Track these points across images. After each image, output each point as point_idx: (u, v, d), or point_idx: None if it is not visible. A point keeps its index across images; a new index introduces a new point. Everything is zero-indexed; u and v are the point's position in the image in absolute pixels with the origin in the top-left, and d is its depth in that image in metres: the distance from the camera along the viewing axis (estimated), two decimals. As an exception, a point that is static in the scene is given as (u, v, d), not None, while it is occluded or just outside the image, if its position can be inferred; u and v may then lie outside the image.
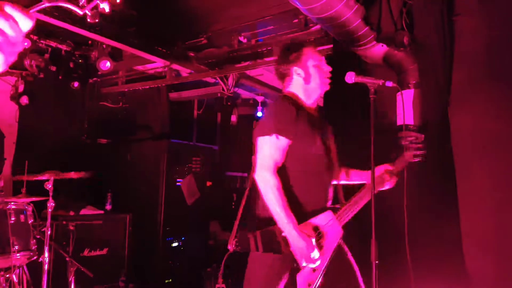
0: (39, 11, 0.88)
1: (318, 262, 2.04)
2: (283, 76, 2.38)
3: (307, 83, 2.31)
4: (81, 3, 0.96)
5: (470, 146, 2.99)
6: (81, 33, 3.96)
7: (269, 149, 2.12)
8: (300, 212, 2.08)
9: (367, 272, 1.99)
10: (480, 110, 2.94)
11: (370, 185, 2.29)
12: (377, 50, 3.09)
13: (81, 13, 0.98)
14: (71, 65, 5.07)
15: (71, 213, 4.51)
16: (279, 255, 2.04)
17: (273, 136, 2.11)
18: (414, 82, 2.99)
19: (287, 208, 2.03)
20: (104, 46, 4.58)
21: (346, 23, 2.82)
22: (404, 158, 2.46)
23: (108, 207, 4.95)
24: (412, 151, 2.46)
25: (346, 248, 2.25)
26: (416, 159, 2.46)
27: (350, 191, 2.39)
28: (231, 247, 2.07)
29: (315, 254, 2.03)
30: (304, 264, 2.03)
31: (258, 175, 2.11)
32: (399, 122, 2.97)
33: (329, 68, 2.35)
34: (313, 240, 2.05)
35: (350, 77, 2.12)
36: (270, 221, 2.05)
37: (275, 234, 2.05)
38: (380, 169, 2.41)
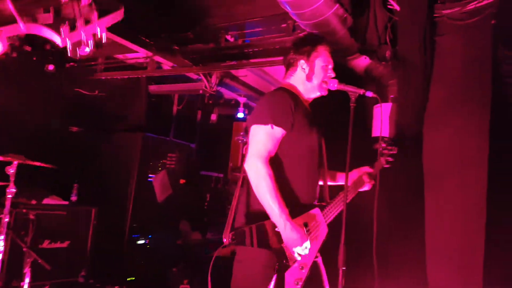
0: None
1: (306, 252, 2.11)
2: (288, 65, 2.46)
3: (308, 80, 2.39)
4: (63, 35, 1.00)
5: (442, 163, 3.28)
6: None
7: (263, 138, 2.16)
8: (290, 204, 2.12)
9: (333, 278, 2.09)
10: (453, 129, 3.24)
11: (352, 185, 2.56)
12: (360, 61, 3.35)
13: (61, 45, 1.04)
14: (48, 47, 5.08)
15: (33, 201, 4.50)
16: (270, 251, 2.08)
17: (269, 126, 2.15)
18: (392, 96, 3.26)
19: (279, 198, 2.07)
20: (85, 30, 4.63)
21: (333, 31, 3.05)
22: (379, 163, 2.74)
23: (74, 198, 4.93)
24: (385, 157, 2.75)
25: (318, 253, 2.33)
26: (388, 165, 2.75)
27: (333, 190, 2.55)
28: (227, 240, 2.07)
29: (308, 244, 2.10)
30: (297, 254, 2.08)
31: (249, 163, 2.13)
32: (375, 133, 3.22)
33: (333, 75, 2.42)
34: (305, 230, 2.13)
35: (333, 84, 2.31)
36: (263, 215, 2.09)
37: (268, 229, 2.09)
38: (360, 171, 2.66)
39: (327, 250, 2.33)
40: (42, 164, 3.78)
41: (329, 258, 2.30)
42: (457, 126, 3.24)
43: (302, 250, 2.09)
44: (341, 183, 2.63)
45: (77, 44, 1.02)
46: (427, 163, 3.29)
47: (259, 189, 2.10)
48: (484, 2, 3.16)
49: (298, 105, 2.30)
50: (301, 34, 3.30)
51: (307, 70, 2.40)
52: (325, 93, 2.44)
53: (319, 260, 2.34)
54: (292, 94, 2.34)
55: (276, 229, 2.09)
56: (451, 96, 3.29)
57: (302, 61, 2.41)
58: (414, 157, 3.35)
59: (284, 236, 2.07)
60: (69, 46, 1.03)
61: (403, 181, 3.35)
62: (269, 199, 2.06)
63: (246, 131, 2.33)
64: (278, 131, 2.18)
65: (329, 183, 2.60)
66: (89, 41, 1.06)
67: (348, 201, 2.34)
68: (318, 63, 2.41)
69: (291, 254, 2.10)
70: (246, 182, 2.23)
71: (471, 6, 3.21)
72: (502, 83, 3.22)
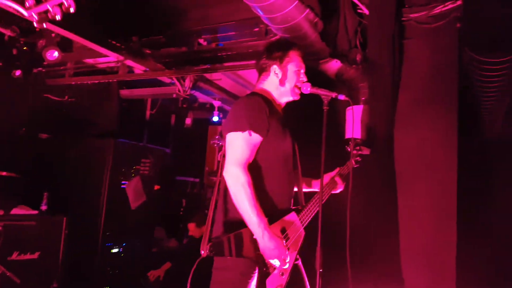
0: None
1: (287, 265, 2.15)
2: (261, 70, 2.51)
3: (281, 84, 2.44)
4: (28, 5, 1.00)
5: (413, 164, 3.42)
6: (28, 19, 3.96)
7: (241, 145, 2.17)
8: (267, 211, 2.15)
9: (311, 280, 2.19)
10: (422, 130, 3.38)
11: (325, 187, 2.60)
12: (331, 65, 3.45)
13: (26, 14, 1.03)
14: (15, 51, 5.01)
15: (0, 212, 4.40)
16: (249, 260, 2.10)
17: (246, 132, 2.17)
18: (363, 98, 3.37)
19: (258, 207, 2.08)
20: (53, 35, 4.58)
21: (304, 35, 3.14)
22: (350, 164, 2.83)
23: (44, 207, 4.80)
24: (354, 157, 2.87)
25: (297, 256, 2.38)
26: (357, 165, 2.88)
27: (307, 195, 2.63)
28: (204, 252, 2.06)
29: (284, 254, 2.13)
30: (276, 264, 2.12)
31: (228, 171, 2.15)
32: (348, 135, 3.32)
33: (305, 79, 2.48)
34: (283, 239, 2.18)
35: (306, 88, 2.38)
36: (240, 224, 2.11)
37: (246, 237, 2.10)
38: (331, 174, 2.75)
39: (304, 252, 2.37)
40: (9, 174, 3.70)
41: (306, 260, 2.35)
42: (426, 127, 3.39)
43: (281, 261, 2.12)
44: (316, 189, 2.69)
45: (44, 15, 1.01)
46: (398, 164, 3.42)
47: (238, 198, 2.12)
48: (449, 6, 3.31)
49: (272, 110, 2.34)
50: (273, 39, 3.36)
51: (280, 75, 2.45)
52: (297, 97, 2.51)
53: (299, 262, 2.39)
54: (265, 99, 2.38)
55: (254, 236, 2.11)
56: (419, 98, 3.44)
57: (275, 66, 2.46)
58: (386, 158, 3.46)
59: (261, 245, 2.10)
60: (35, 17, 1.02)
61: (377, 181, 3.46)
62: (247, 208, 2.08)
63: (221, 135, 2.36)
64: (256, 138, 2.21)
65: (304, 190, 2.65)
66: (56, 14, 1.05)
67: (315, 211, 2.44)
68: (291, 68, 2.47)
69: (269, 262, 2.14)
70: (222, 188, 2.25)
71: (437, 10, 3.36)
72: (469, 85, 3.37)
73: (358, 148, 2.93)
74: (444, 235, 3.30)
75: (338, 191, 2.75)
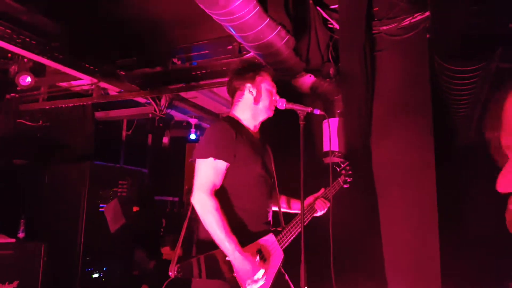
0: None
1: (261, 282, 2.11)
2: (235, 91, 2.48)
3: (256, 103, 2.42)
4: None
5: (390, 175, 3.40)
6: (0, 45, 3.87)
7: (206, 171, 2.18)
8: (242, 233, 2.14)
9: None
10: (397, 141, 3.36)
11: (306, 209, 2.57)
12: (305, 80, 3.43)
13: None
14: (-15, 78, 4.90)
15: None
16: (223, 281, 2.07)
17: (210, 159, 2.18)
18: (339, 111, 3.35)
19: (227, 229, 2.08)
20: (25, 60, 4.49)
21: (277, 52, 3.12)
22: (338, 183, 2.80)
23: (21, 235, 4.68)
24: (343, 177, 2.83)
25: (283, 270, 2.35)
26: (347, 185, 2.84)
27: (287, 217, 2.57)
28: (172, 273, 2.03)
29: (259, 274, 2.10)
30: (248, 286, 2.08)
31: (195, 197, 2.15)
32: (326, 148, 3.28)
33: (278, 97, 2.46)
34: (257, 259, 2.14)
35: (282, 104, 2.36)
36: (213, 245, 2.09)
37: (218, 259, 2.09)
38: (314, 196, 2.68)
39: (289, 269, 2.33)
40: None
41: (291, 277, 2.30)
42: (402, 136, 3.38)
43: (253, 281, 2.09)
44: (296, 211, 2.65)
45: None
46: (377, 174, 3.39)
47: (206, 223, 2.11)
48: (418, 18, 3.34)
49: (242, 134, 2.31)
50: (246, 56, 3.31)
51: (254, 92, 2.43)
52: (271, 114, 2.48)
53: (287, 277, 2.34)
54: (235, 124, 2.36)
55: (227, 258, 2.08)
56: (394, 107, 3.44)
57: (248, 85, 2.44)
58: (364, 169, 3.43)
59: (235, 267, 2.07)
60: None
61: (357, 192, 3.41)
62: (216, 231, 2.08)
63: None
64: (221, 163, 2.20)
65: (284, 210, 2.62)
66: None
67: (296, 233, 2.39)
68: (264, 86, 2.46)
69: (243, 284, 2.09)
70: (193, 210, 2.21)
71: (406, 22, 3.38)
72: (441, 93, 3.38)
73: (348, 168, 2.90)
74: (427, 240, 3.29)
75: (319, 214, 2.67)
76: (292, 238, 2.38)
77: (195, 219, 2.23)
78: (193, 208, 2.21)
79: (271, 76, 2.53)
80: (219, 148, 2.21)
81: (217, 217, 2.08)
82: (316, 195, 2.70)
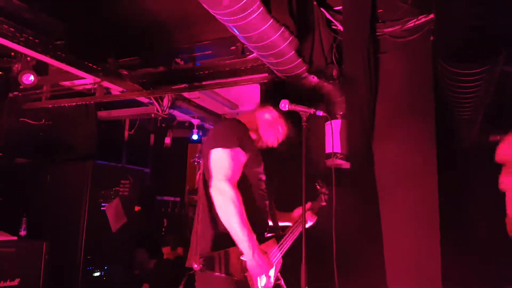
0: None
1: (271, 281, 2.12)
2: (253, 114, 2.51)
3: (260, 135, 2.46)
4: None
5: (392, 177, 3.37)
6: (3, 43, 3.86)
7: (230, 161, 2.10)
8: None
9: None
10: (401, 141, 3.34)
11: (294, 224, 2.58)
12: (308, 81, 3.38)
13: None
14: (-11, 76, 4.91)
15: None
16: (235, 280, 2.04)
17: (237, 149, 2.13)
18: (341, 113, 3.32)
19: (248, 224, 2.02)
20: (28, 58, 4.48)
21: (280, 53, 3.10)
22: (319, 201, 2.90)
23: (23, 233, 4.76)
24: (323, 196, 2.93)
25: (279, 275, 2.37)
26: (325, 203, 2.91)
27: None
28: (197, 266, 1.97)
29: (273, 271, 2.12)
30: (262, 282, 2.08)
31: (216, 187, 2.06)
32: (328, 150, 3.26)
33: (283, 136, 2.50)
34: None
35: (284, 105, 2.31)
36: (227, 243, 2.05)
37: (233, 257, 2.05)
38: (299, 211, 2.68)
39: (289, 269, 2.33)
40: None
41: (292, 278, 2.27)
42: (404, 138, 3.36)
43: (266, 277, 2.10)
44: (287, 223, 2.67)
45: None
46: (379, 177, 3.36)
47: (227, 213, 2.02)
48: (422, 20, 3.31)
49: (249, 136, 2.32)
50: (249, 57, 3.28)
51: (262, 129, 2.48)
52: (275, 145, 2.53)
53: (282, 282, 2.35)
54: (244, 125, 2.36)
55: (242, 257, 2.05)
56: (397, 110, 3.42)
57: (266, 114, 2.49)
58: (367, 171, 3.40)
59: (250, 262, 2.04)
60: None
61: (359, 195, 3.40)
62: (237, 225, 2.00)
63: (201, 153, 2.30)
64: (243, 156, 2.17)
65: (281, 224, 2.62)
66: None
67: (294, 237, 2.45)
68: (273, 123, 2.49)
69: (253, 284, 2.08)
70: (206, 205, 2.17)
71: (410, 24, 3.35)
72: (444, 96, 3.35)
73: (321, 185, 2.95)
74: (428, 243, 3.26)
75: (308, 225, 2.70)
76: (290, 244, 2.39)
77: (210, 215, 2.20)
78: (193, 208, 2.20)
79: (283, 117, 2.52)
80: (242, 140, 2.17)
81: (240, 209, 2.01)
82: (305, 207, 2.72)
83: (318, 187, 2.94)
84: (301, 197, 2.15)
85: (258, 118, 2.48)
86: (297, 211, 2.71)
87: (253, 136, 2.42)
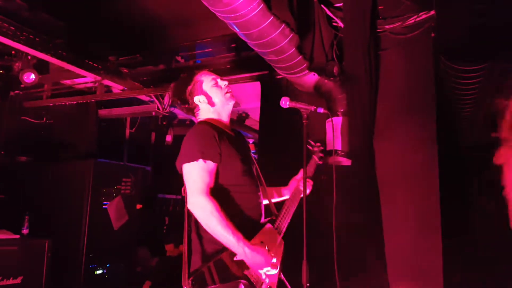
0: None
1: (275, 271, 2.12)
2: (191, 110, 2.45)
3: (212, 105, 2.41)
4: None
5: (393, 175, 3.36)
6: (4, 42, 3.86)
7: (197, 174, 2.12)
8: (241, 231, 2.09)
9: None
10: (400, 141, 3.33)
11: (293, 193, 2.59)
12: (309, 78, 3.39)
13: None
14: (-10, 76, 4.92)
15: None
16: (236, 282, 2.04)
17: (200, 161, 2.13)
18: (342, 110, 3.31)
19: (233, 227, 2.04)
20: (29, 57, 4.48)
21: (281, 50, 3.09)
22: (313, 161, 2.83)
23: (25, 231, 4.73)
24: (317, 154, 2.85)
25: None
26: (321, 162, 2.85)
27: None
28: (187, 286, 1.98)
29: (274, 259, 2.11)
30: (265, 275, 2.09)
31: (192, 202, 2.09)
32: (329, 147, 3.25)
33: (226, 82, 2.46)
34: (266, 248, 2.13)
35: (285, 102, 2.33)
36: (218, 249, 2.07)
37: (227, 261, 2.05)
38: (295, 179, 2.70)
39: (290, 267, 2.31)
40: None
41: (293, 275, 2.27)
42: (405, 135, 3.35)
43: (270, 268, 2.09)
44: (287, 196, 2.65)
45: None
46: (380, 174, 3.35)
47: (210, 226, 2.06)
48: (423, 17, 3.29)
49: (221, 133, 2.28)
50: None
51: (205, 99, 2.40)
52: (233, 99, 2.46)
53: (282, 276, 2.32)
54: (211, 125, 2.32)
55: (235, 258, 2.06)
56: (398, 107, 3.40)
57: (195, 98, 2.41)
58: (368, 169, 3.40)
59: (248, 262, 2.05)
60: None
61: (360, 192, 3.39)
62: (222, 232, 2.03)
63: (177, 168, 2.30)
64: (210, 164, 2.16)
65: (274, 200, 2.62)
66: None
67: (292, 212, 2.45)
68: (206, 86, 2.42)
69: (256, 278, 2.09)
70: (192, 218, 2.18)
71: (411, 21, 3.34)
72: (446, 93, 3.34)
73: (318, 144, 2.90)
74: (429, 242, 3.23)
75: (308, 192, 2.65)
76: (287, 223, 2.38)
77: (195, 228, 2.20)
78: (190, 217, 2.18)
79: (205, 71, 2.49)
80: (205, 149, 2.15)
81: (219, 218, 2.03)
82: (296, 177, 2.71)
83: (310, 147, 2.87)
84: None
85: (197, 87, 2.42)
86: (292, 183, 2.69)
87: (221, 122, 2.40)
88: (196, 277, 2.01)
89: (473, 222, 3.88)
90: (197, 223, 2.15)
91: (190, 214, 2.15)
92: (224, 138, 2.27)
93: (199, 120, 2.44)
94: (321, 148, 2.91)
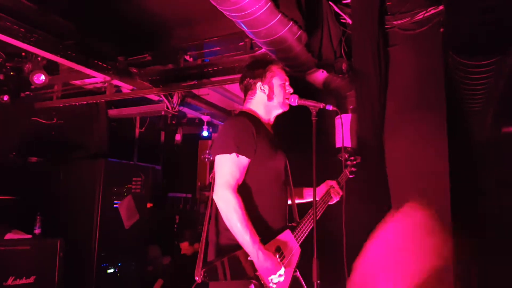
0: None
1: (282, 279, 2.11)
2: (247, 90, 2.47)
3: (269, 100, 2.41)
4: None
5: (402, 172, 3.35)
6: (14, 44, 3.91)
7: (229, 167, 2.13)
8: (262, 231, 2.12)
9: None
10: (410, 138, 3.32)
11: (320, 201, 2.60)
12: (318, 75, 3.39)
13: None
14: (1, 77, 4.99)
15: None
16: (246, 281, 2.05)
17: (233, 155, 2.14)
18: (351, 107, 3.31)
19: (251, 228, 2.05)
20: (39, 58, 4.53)
21: (289, 48, 3.08)
22: (344, 174, 2.81)
23: (37, 231, 4.77)
24: (349, 168, 2.85)
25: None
26: (352, 176, 2.85)
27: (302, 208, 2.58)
28: (199, 278, 2.00)
29: (282, 271, 2.11)
30: (272, 283, 2.08)
31: (218, 194, 2.10)
32: (338, 144, 3.26)
33: (291, 90, 2.46)
34: (277, 257, 2.13)
35: (294, 100, 2.36)
36: (235, 245, 2.08)
37: (241, 259, 2.06)
38: (327, 185, 2.71)
39: (302, 264, 2.32)
40: (1, 197, 3.63)
41: (304, 272, 2.29)
42: (415, 132, 3.34)
43: (276, 278, 2.09)
44: (309, 199, 2.65)
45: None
46: (390, 171, 3.35)
47: (230, 221, 2.07)
48: (432, 12, 3.28)
49: (260, 129, 2.29)
50: (258, 53, 3.29)
51: (266, 90, 2.42)
52: (287, 108, 2.47)
53: (298, 274, 2.34)
54: (252, 119, 2.33)
55: (249, 258, 2.07)
56: (407, 103, 3.40)
57: (259, 83, 2.42)
58: (377, 165, 3.39)
59: (257, 265, 2.06)
60: None
61: (370, 189, 3.39)
62: (240, 230, 2.04)
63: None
64: (243, 159, 2.16)
65: (297, 201, 2.60)
66: None
67: (318, 217, 2.35)
68: (276, 82, 2.44)
69: (265, 283, 2.09)
70: (214, 208, 2.19)
71: (419, 16, 3.33)
72: (455, 88, 3.33)
73: (352, 158, 2.91)
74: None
75: (334, 202, 2.70)
76: (307, 233, 2.37)
77: (214, 221, 2.22)
78: (212, 207, 2.20)
79: (283, 69, 2.50)
80: (241, 143, 2.17)
81: (241, 216, 2.05)
82: (329, 182, 2.72)
83: (341, 158, 2.88)
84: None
85: (268, 76, 2.43)
86: (322, 188, 2.69)
87: (264, 120, 2.42)
88: (208, 270, 2.02)
89: (484, 219, 3.86)
90: (217, 214, 2.16)
91: (213, 203, 2.16)
92: (262, 134, 2.29)
93: (245, 107, 2.46)
94: (354, 162, 2.92)
